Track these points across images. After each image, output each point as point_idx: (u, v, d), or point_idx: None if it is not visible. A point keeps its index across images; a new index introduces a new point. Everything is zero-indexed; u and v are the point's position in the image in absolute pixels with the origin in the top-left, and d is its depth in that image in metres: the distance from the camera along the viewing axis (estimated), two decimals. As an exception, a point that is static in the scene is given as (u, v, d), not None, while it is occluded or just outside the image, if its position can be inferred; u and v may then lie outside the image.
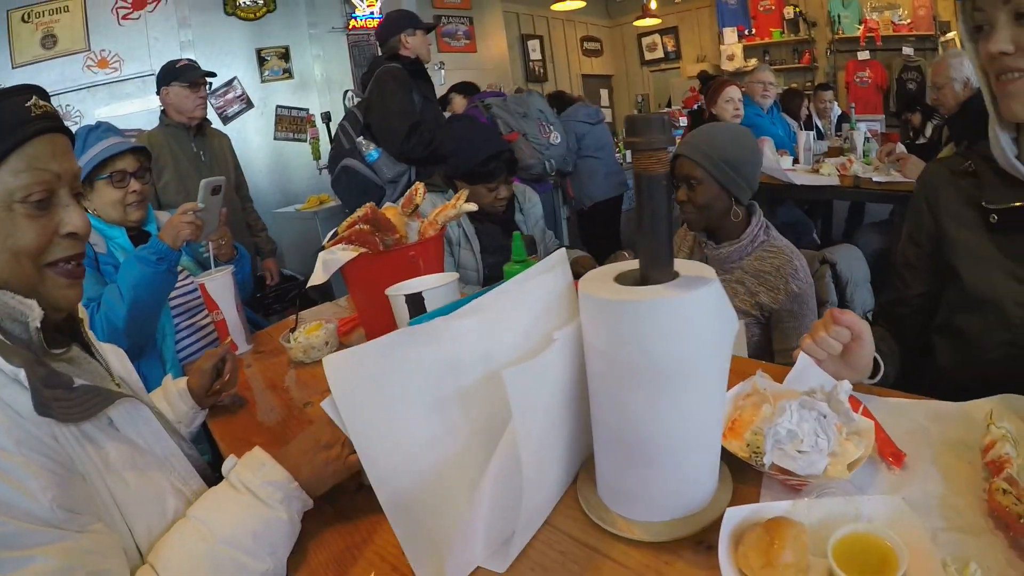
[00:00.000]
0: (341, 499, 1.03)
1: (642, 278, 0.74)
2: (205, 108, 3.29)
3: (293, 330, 1.75)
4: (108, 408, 0.91)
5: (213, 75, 3.33)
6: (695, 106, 5.41)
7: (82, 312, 1.15)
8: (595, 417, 0.81)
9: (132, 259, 1.74)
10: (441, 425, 0.79)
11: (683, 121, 6.93)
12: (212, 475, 1.35)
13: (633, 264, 0.78)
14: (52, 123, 0.96)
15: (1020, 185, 1.07)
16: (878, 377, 1.14)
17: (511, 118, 3.74)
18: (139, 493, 0.89)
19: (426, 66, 3.56)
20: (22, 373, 0.78)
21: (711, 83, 4.35)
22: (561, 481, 0.91)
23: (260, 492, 0.89)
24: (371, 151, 3.33)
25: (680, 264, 0.76)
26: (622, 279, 0.75)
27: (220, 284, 1.78)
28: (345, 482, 1.04)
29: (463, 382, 0.80)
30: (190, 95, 3.15)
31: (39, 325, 0.89)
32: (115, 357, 1.19)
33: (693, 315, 0.69)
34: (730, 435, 0.94)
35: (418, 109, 3.34)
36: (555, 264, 0.90)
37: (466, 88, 4.93)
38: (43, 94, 0.98)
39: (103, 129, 1.99)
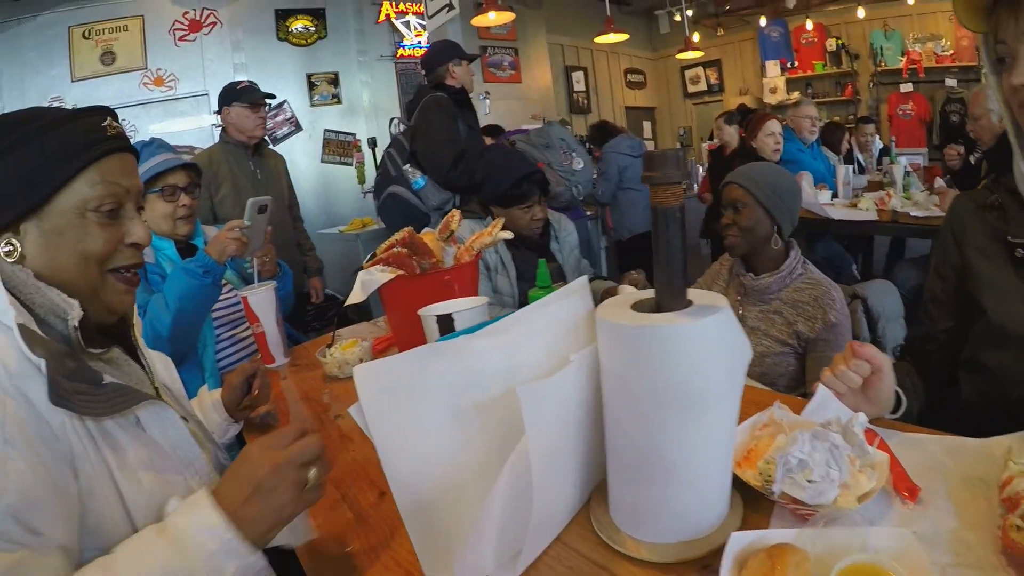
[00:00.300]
0: (362, 504, 1.08)
1: (657, 306, 0.77)
2: (264, 128, 3.37)
3: (330, 346, 1.81)
4: (136, 408, 0.97)
5: (272, 96, 3.42)
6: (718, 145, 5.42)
7: (136, 319, 1.23)
8: (609, 438, 0.84)
9: (179, 271, 1.82)
10: (460, 435, 0.83)
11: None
12: None
13: (650, 293, 0.81)
14: (123, 143, 1.05)
15: None
16: (900, 412, 1.13)
17: (534, 150, 3.79)
18: (153, 494, 0.92)
19: (471, 96, 3.62)
20: (43, 364, 0.83)
21: (751, 116, 4.34)
22: (574, 500, 0.93)
23: (187, 540, 0.78)
24: (417, 179, 3.38)
25: (694, 294, 0.79)
26: (638, 307, 0.78)
27: (262, 298, 1.85)
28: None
29: (483, 396, 0.84)
30: (250, 115, 3.23)
31: (77, 324, 0.95)
32: (162, 365, 1.26)
33: (704, 341, 0.72)
34: (745, 464, 0.95)
35: (463, 138, 3.38)
36: (576, 290, 0.95)
37: (491, 131, 5.01)
38: (115, 116, 1.07)
39: (156, 145, 2.08)
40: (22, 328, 0.85)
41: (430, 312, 1.34)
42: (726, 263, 2.16)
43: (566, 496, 0.90)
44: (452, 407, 0.83)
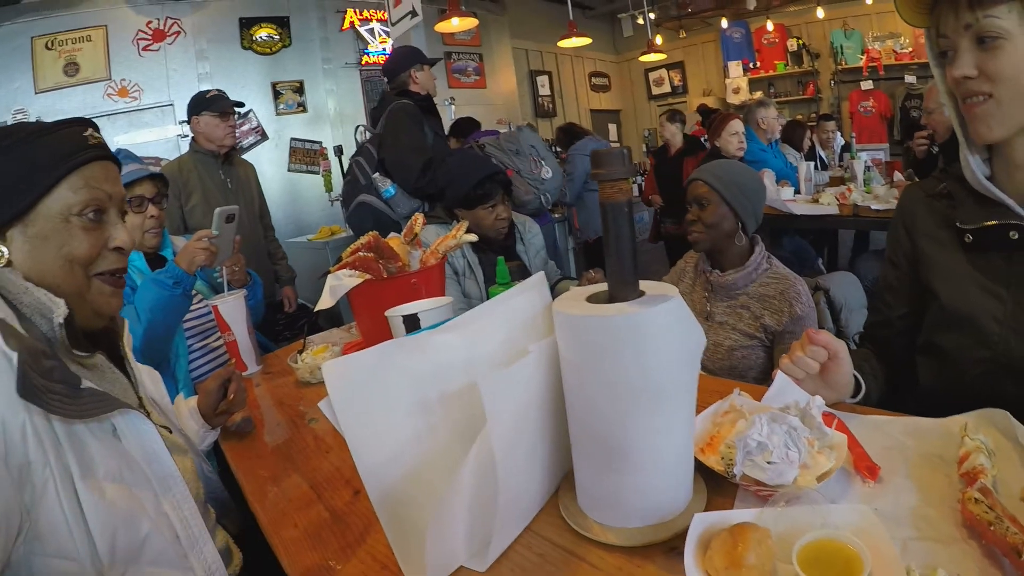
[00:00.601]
0: (337, 503, 1.09)
1: (610, 297, 0.80)
2: (234, 137, 3.37)
3: (301, 352, 1.81)
4: (113, 415, 0.97)
5: (241, 104, 3.41)
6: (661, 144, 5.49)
7: (127, 332, 1.24)
8: (572, 427, 0.87)
9: (149, 282, 1.82)
10: (425, 426, 0.86)
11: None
12: (222, 488, 1.41)
13: (602, 287, 0.84)
14: (104, 152, 1.10)
15: (992, 205, 1.09)
16: (859, 396, 1.16)
17: (504, 156, 3.78)
18: (113, 506, 0.92)
19: (436, 102, 3.63)
20: (15, 356, 0.83)
21: (714, 116, 4.41)
22: (543, 488, 0.95)
23: None
24: (387, 187, 3.37)
25: (646, 285, 0.82)
26: (593, 299, 0.81)
27: (232, 307, 1.84)
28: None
29: (446, 388, 0.87)
30: (220, 124, 3.22)
31: (62, 322, 0.98)
32: (149, 379, 1.28)
33: (656, 329, 0.75)
34: (708, 451, 0.97)
35: (430, 145, 3.38)
36: (533, 285, 0.98)
37: (460, 129, 5.01)
38: (96, 128, 1.11)
39: (122, 156, 2.07)
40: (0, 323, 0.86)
41: (396, 313, 1.36)
42: (691, 260, 2.20)
43: (533, 485, 0.92)
44: (417, 399, 0.85)
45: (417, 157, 3.27)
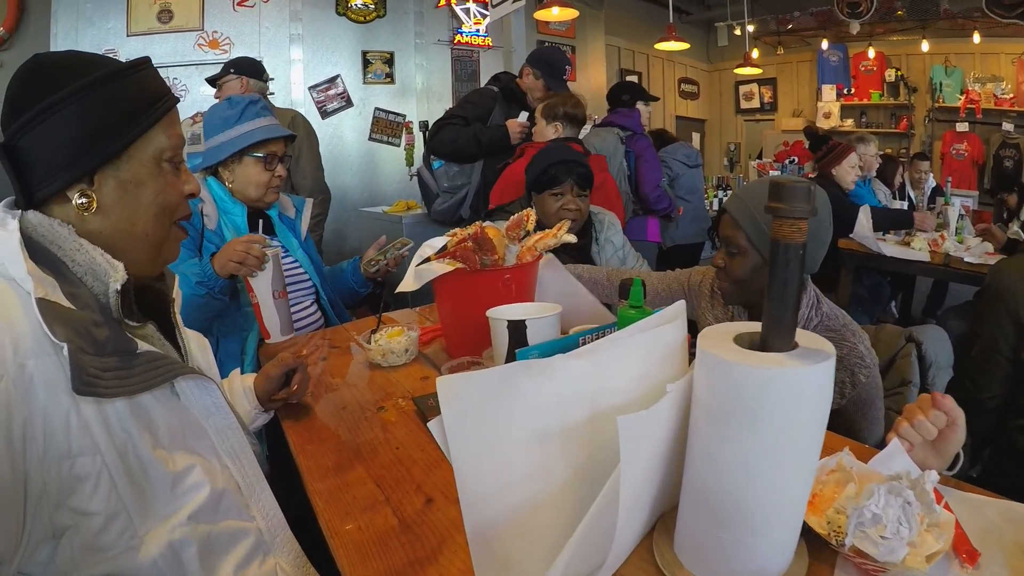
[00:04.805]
0: (407, 510, 1.03)
1: (762, 342, 0.73)
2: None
3: (375, 331, 1.73)
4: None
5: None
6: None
7: (178, 291, 1.19)
8: (688, 472, 0.81)
9: (181, 274, 1.68)
10: (540, 458, 0.79)
11: (774, 174, 6.80)
12: (268, 468, 1.37)
13: (752, 326, 0.77)
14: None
15: None
16: (956, 468, 1.10)
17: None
18: (176, 464, 0.92)
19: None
20: (65, 347, 0.80)
21: (833, 144, 4.19)
22: (644, 531, 0.90)
23: None
24: (437, 160, 3.45)
25: (799, 335, 0.74)
26: (740, 340, 0.74)
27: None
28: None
29: (568, 420, 0.80)
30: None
31: (119, 288, 0.93)
32: (197, 346, 1.23)
33: (812, 389, 0.69)
34: (810, 509, 0.91)
35: (479, 117, 3.43)
36: (673, 316, 0.89)
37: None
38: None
39: (262, 106, 2.02)
40: (42, 303, 0.82)
41: (501, 315, 1.28)
42: (708, 277, 1.84)
43: (639, 528, 0.86)
44: (537, 429, 0.79)
45: (452, 112, 3.35)
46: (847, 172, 4.01)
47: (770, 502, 0.74)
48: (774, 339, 0.72)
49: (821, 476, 0.99)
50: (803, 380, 0.68)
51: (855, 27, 8.31)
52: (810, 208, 0.68)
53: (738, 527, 0.76)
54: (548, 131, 3.00)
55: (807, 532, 0.87)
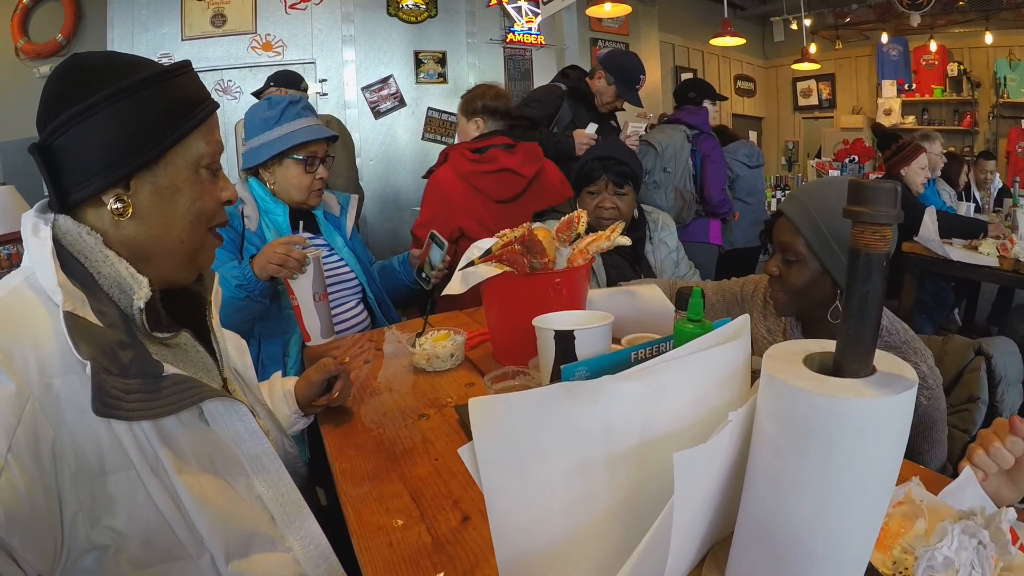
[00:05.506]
0: (442, 527, 0.98)
1: (836, 365, 0.63)
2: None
3: (420, 334, 1.67)
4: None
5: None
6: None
7: (217, 290, 1.16)
8: (746, 505, 0.71)
9: (220, 276, 1.69)
10: (582, 490, 0.70)
11: (833, 174, 6.58)
12: (307, 475, 1.33)
13: (823, 345, 0.68)
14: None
15: None
16: None
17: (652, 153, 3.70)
18: (213, 502, 0.89)
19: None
20: (89, 367, 0.77)
21: (903, 143, 3.99)
22: (692, 563, 0.81)
23: None
24: None
25: (877, 357, 0.64)
26: (810, 362, 0.65)
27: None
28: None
29: (615, 448, 0.71)
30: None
31: (143, 306, 0.89)
32: (235, 349, 1.20)
33: (888, 422, 0.59)
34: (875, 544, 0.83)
35: (557, 118, 3.36)
36: (737, 333, 0.79)
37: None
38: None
39: (302, 106, 1.99)
40: (69, 317, 0.79)
41: (547, 325, 1.19)
42: (760, 286, 1.73)
43: (688, 560, 0.78)
44: (579, 458, 0.69)
45: (516, 122, 3.21)
46: (917, 174, 3.80)
47: (837, 541, 0.64)
48: (850, 363, 0.62)
49: (888, 508, 0.91)
50: (882, 412, 0.58)
51: (915, 19, 7.97)
52: (896, 212, 0.58)
53: (801, 565, 0.67)
54: (469, 128, 2.74)
55: (870, 571, 0.78)
